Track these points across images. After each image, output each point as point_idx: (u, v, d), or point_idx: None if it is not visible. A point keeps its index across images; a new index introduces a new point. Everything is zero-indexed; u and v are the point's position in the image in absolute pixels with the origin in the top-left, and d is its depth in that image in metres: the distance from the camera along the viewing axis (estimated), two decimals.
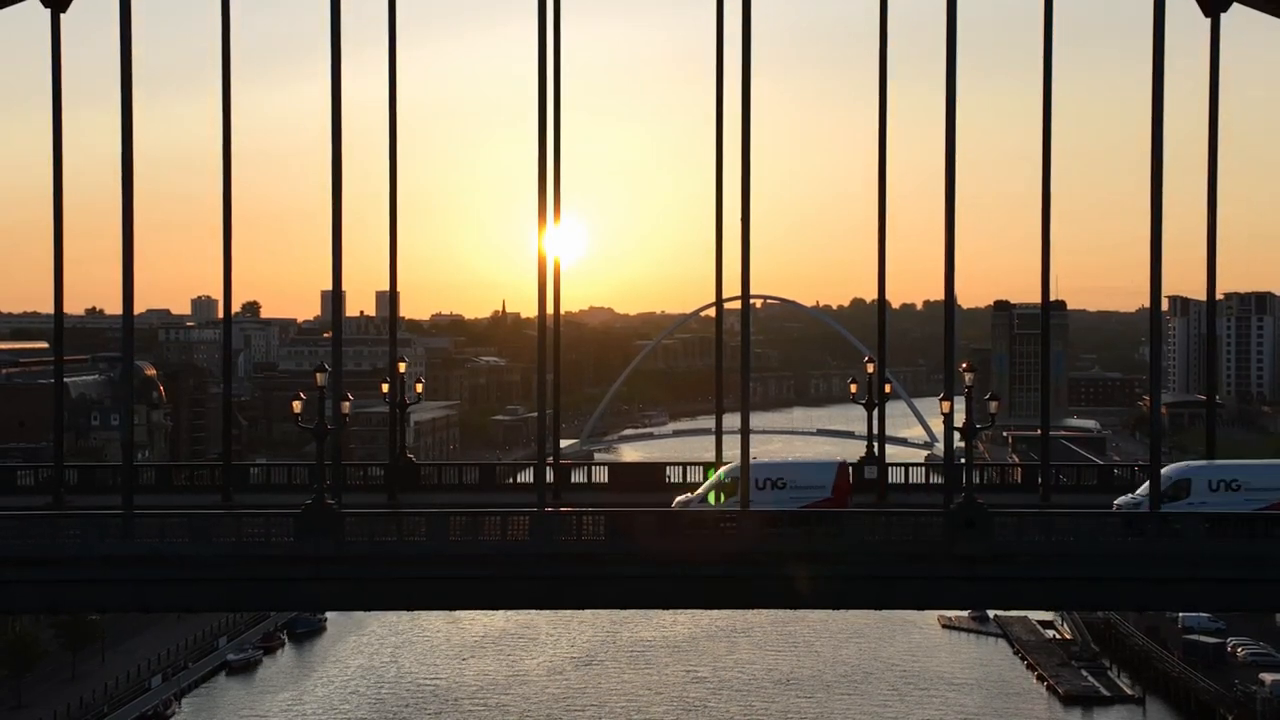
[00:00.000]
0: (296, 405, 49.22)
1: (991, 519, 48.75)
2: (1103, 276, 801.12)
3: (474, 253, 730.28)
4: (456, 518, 49.58)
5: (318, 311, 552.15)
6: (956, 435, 52.07)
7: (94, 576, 48.35)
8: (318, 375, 48.90)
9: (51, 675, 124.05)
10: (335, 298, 53.67)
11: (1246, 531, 48.67)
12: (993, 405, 51.99)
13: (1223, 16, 56.93)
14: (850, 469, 55.91)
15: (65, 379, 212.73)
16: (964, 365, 50.77)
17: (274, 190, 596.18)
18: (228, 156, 58.83)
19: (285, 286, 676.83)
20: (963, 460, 52.64)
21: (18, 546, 47.97)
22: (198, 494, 61.67)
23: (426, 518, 49.77)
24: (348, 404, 52.01)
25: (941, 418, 52.62)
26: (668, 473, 64.48)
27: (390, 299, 62.57)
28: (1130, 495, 53.56)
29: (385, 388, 62.07)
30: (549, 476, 56.04)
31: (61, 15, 56.84)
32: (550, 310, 56.42)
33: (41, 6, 56.77)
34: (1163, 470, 52.22)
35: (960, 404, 52.89)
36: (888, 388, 63.01)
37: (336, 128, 53.63)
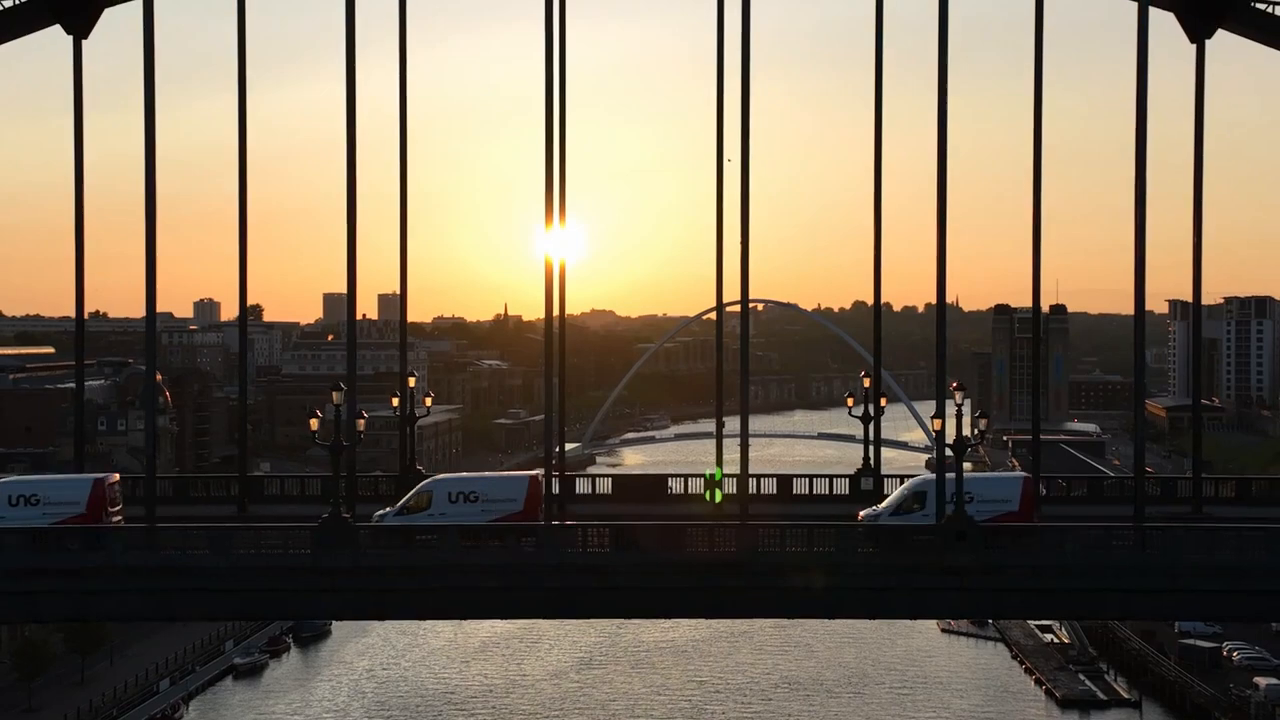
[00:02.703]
0: (314, 423, 50.90)
1: (981, 532, 50.33)
2: (1104, 279, 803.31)
3: (475, 255, 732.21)
4: (466, 530, 51.15)
5: (319, 314, 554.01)
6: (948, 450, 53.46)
7: (120, 587, 50.03)
8: (334, 394, 50.58)
9: (61, 679, 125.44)
10: (349, 316, 55.29)
11: (1232, 544, 50.21)
12: (982, 422, 53.72)
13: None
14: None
15: (69, 384, 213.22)
16: (954, 385, 52.32)
17: (273, 192, 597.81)
18: (243, 164, 60.23)
19: (285, 289, 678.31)
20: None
21: (48, 558, 49.74)
22: (214, 505, 63.20)
23: (438, 531, 51.40)
24: (362, 421, 53.66)
25: (951, 406, 53.96)
26: (670, 484, 65.91)
27: (400, 314, 64.17)
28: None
29: (395, 401, 63.68)
30: (555, 488, 57.46)
31: (83, 42, 58.24)
32: (557, 312, 57.41)
33: (64, 33, 58.27)
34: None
35: (956, 409, 54.21)
36: (883, 401, 64.48)
37: (351, 138, 54.69)
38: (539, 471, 56.90)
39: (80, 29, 57.86)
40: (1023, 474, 57.12)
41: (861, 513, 55.57)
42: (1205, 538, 50.83)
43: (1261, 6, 57.89)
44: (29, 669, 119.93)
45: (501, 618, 77.80)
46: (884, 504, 55.28)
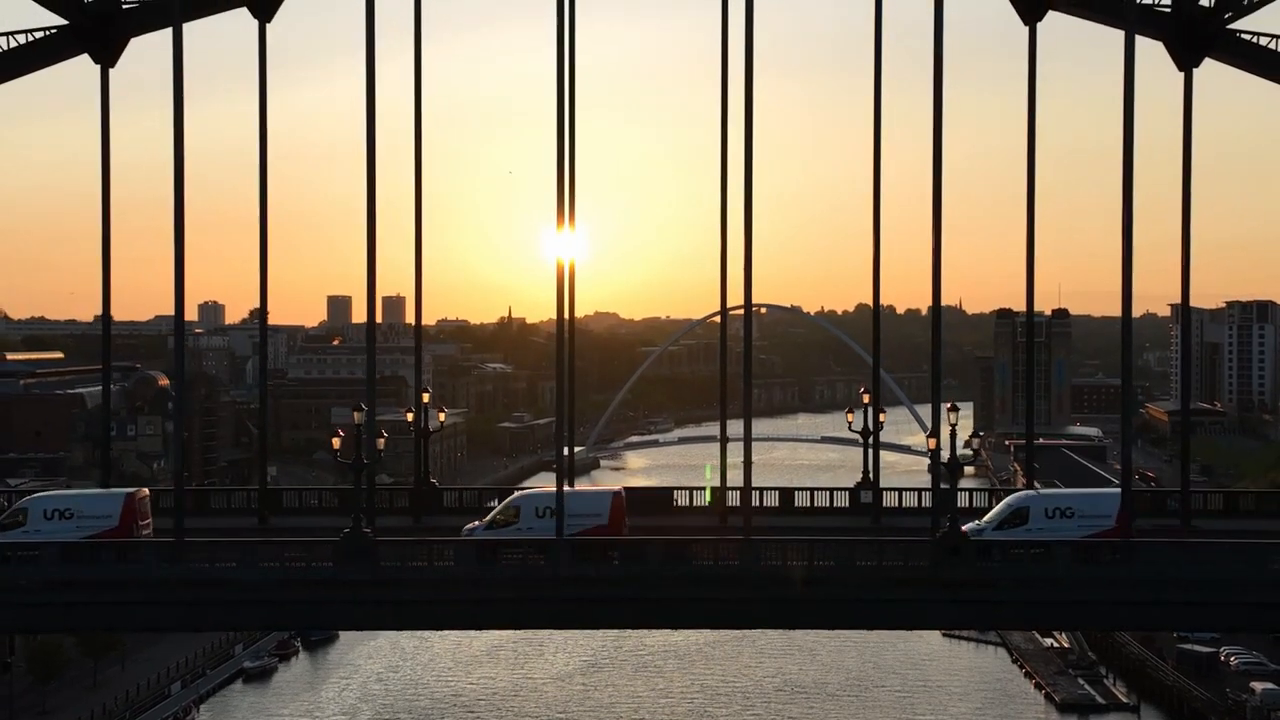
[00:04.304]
0: (336, 441, 52.93)
1: (974, 546, 52.09)
2: (1108, 282, 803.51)
3: (479, 257, 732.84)
4: (481, 545, 52.95)
5: (323, 316, 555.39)
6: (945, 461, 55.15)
7: (150, 598, 51.88)
8: (355, 414, 52.61)
9: (74, 683, 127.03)
10: (369, 342, 57.06)
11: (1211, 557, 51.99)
12: (975, 441, 55.59)
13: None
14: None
15: (79, 390, 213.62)
16: (949, 405, 54.18)
17: (274, 195, 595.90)
18: (264, 173, 61.90)
19: (288, 291, 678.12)
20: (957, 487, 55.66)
21: (81, 570, 51.74)
22: (235, 517, 64.97)
23: (454, 545, 53.32)
24: (383, 440, 55.50)
25: (945, 424, 55.80)
26: (676, 497, 67.47)
27: (415, 329, 65.90)
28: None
29: (410, 416, 65.55)
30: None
31: (110, 70, 59.96)
32: (568, 321, 58.29)
33: (91, 62, 59.98)
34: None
35: (958, 418, 55.90)
36: (883, 416, 66.16)
37: (371, 145, 55.97)
38: (142, 490, 58.34)
39: (107, 59, 59.49)
40: (613, 489, 57.98)
41: (466, 526, 56.91)
42: (1191, 551, 52.61)
43: (1247, 36, 59.53)
44: (43, 673, 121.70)
45: (514, 628, 79.40)
46: (486, 519, 56.88)
